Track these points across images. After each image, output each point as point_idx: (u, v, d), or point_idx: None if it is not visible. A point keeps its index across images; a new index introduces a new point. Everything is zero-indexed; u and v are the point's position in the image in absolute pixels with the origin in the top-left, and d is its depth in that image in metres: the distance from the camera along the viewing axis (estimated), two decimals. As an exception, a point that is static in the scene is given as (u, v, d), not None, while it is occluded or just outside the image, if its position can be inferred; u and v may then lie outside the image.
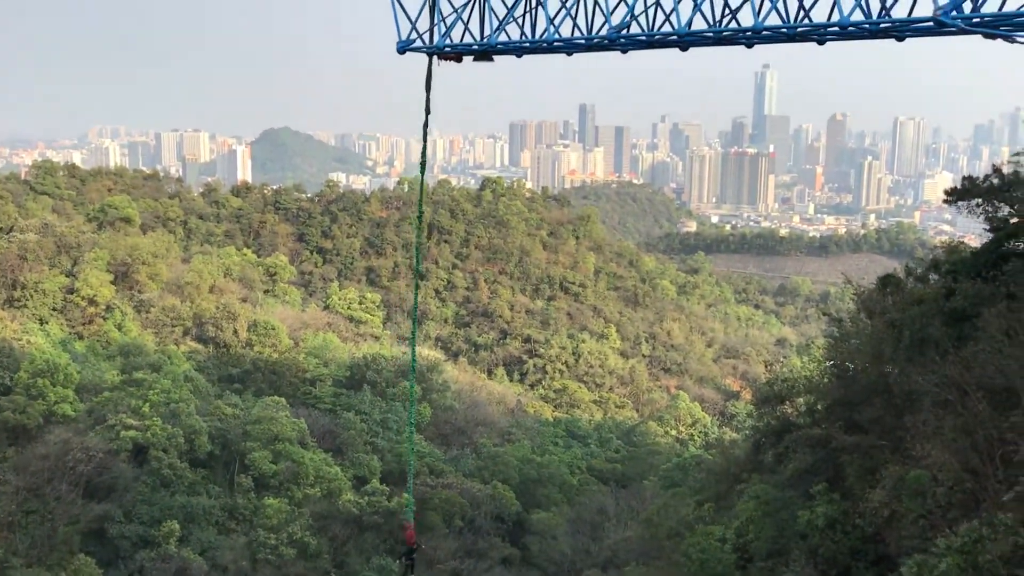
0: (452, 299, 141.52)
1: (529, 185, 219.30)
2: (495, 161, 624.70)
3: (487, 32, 21.89)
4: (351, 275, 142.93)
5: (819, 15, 17.18)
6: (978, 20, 15.23)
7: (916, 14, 16.34)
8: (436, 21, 22.82)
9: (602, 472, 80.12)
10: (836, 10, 16.55)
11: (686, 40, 19.27)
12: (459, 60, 23.76)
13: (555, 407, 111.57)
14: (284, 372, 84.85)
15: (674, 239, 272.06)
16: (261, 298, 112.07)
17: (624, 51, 20.91)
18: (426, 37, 23.12)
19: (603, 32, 19.94)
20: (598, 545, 57.14)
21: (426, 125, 25.67)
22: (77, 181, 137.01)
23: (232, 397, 72.93)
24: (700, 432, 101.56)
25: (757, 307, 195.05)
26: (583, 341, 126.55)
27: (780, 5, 17.24)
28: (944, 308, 28.19)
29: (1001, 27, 15.21)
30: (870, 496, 24.73)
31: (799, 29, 17.42)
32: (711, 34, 18.60)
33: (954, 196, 32.25)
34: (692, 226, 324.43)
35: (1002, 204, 30.69)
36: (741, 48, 19.40)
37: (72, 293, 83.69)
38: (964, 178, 32.86)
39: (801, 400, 37.36)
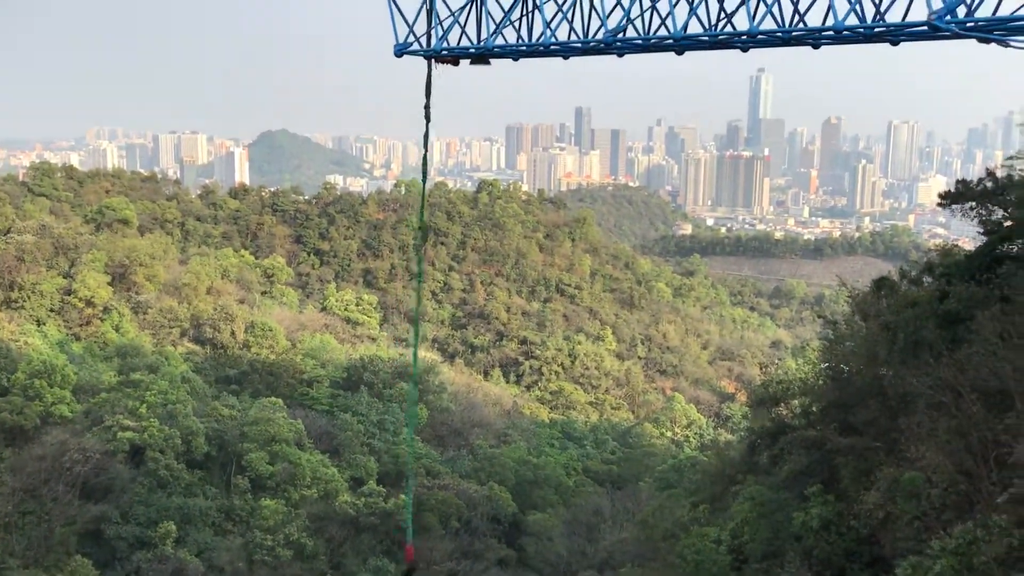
0: (448, 301, 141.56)
1: (525, 188, 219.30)
2: (491, 164, 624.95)
3: (484, 35, 22.00)
4: (348, 277, 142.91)
5: (814, 19, 17.32)
6: (972, 24, 15.35)
7: (910, 18, 16.46)
8: (433, 24, 22.91)
9: (598, 473, 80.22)
10: (831, 14, 16.67)
11: (682, 44, 19.39)
12: (456, 63, 23.84)
13: (551, 409, 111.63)
14: (281, 373, 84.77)
15: (670, 242, 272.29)
16: (258, 299, 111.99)
17: (620, 55, 21.02)
18: (423, 40, 23.21)
19: (599, 36, 20.05)
20: (594, 546, 57.20)
21: (427, 136, 25.71)
22: (75, 183, 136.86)
23: (229, 398, 72.90)
24: (695, 434, 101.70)
25: (752, 309, 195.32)
26: (579, 343, 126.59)
27: (775, 9, 17.37)
28: (938, 311, 28.33)
29: (995, 31, 15.34)
30: (865, 498, 24.85)
31: (794, 33, 17.54)
32: (707, 38, 18.71)
33: (948, 199, 32.43)
34: (687, 229, 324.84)
35: (996, 207, 30.87)
36: (736, 52, 19.53)
37: (69, 294, 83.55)
38: (958, 181, 33.05)
39: (796, 402, 37.51)
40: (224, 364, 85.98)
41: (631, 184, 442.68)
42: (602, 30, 19.93)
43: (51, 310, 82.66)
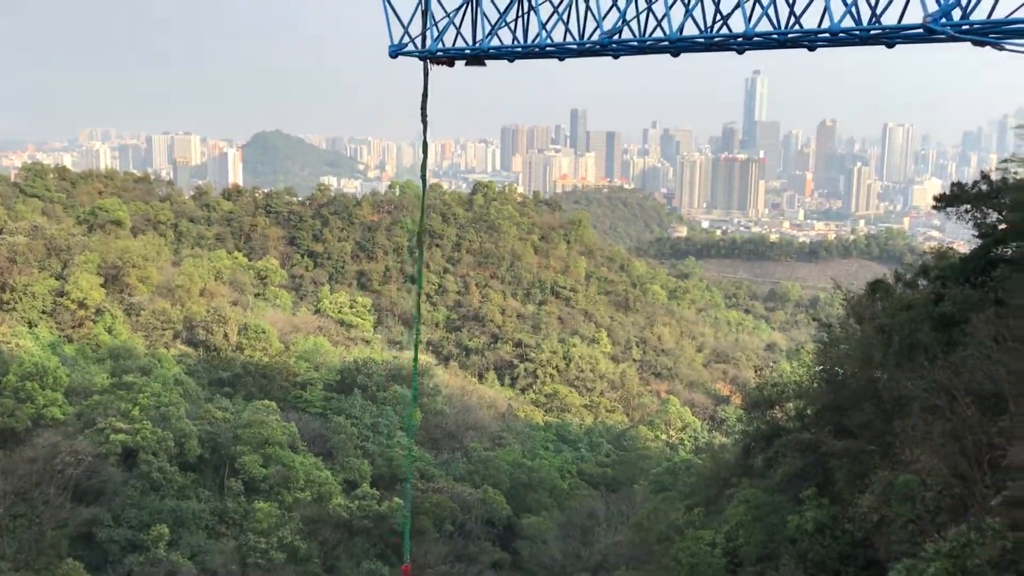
0: (443, 303, 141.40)
1: (520, 190, 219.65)
2: (487, 165, 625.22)
3: (479, 36, 21.94)
4: (342, 279, 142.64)
5: (810, 21, 17.30)
6: (967, 27, 15.34)
7: (906, 21, 16.45)
8: (428, 25, 22.85)
9: (592, 476, 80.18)
10: (827, 16, 16.65)
11: (678, 46, 19.35)
12: (451, 64, 23.79)
13: (546, 411, 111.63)
14: (274, 376, 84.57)
15: (665, 244, 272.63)
16: (252, 301, 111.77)
17: (616, 56, 20.97)
18: (419, 41, 23.14)
19: (595, 37, 20.00)
20: (588, 549, 57.15)
21: (425, 145, 25.65)
22: (67, 184, 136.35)
23: (222, 401, 72.68)
24: (690, 436, 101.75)
25: (747, 312, 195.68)
26: (574, 345, 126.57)
27: (771, 11, 17.34)
28: (933, 313, 28.33)
29: (990, 34, 15.32)
30: (859, 501, 24.84)
31: (790, 35, 17.52)
32: (702, 40, 18.67)
33: (943, 202, 32.45)
34: (683, 231, 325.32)
35: (990, 210, 30.88)
36: (732, 54, 19.50)
37: (62, 296, 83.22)
38: (953, 184, 33.07)
39: (791, 405, 37.52)
40: (217, 366, 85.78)
41: (626, 186, 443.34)
42: (598, 32, 19.88)
43: (43, 312, 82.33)
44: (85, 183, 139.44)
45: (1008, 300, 24.91)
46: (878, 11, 16.51)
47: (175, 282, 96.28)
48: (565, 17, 20.22)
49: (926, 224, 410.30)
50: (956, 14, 15.32)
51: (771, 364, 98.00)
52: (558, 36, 20.55)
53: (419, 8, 22.79)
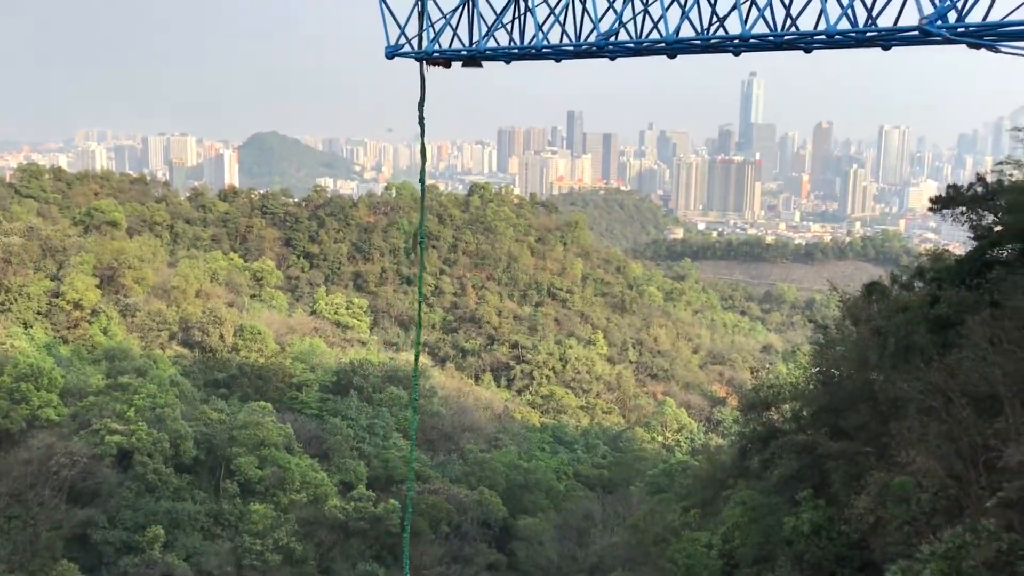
0: (440, 304, 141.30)
1: (517, 191, 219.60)
2: (483, 167, 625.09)
3: (476, 38, 21.92)
4: (338, 280, 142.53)
5: (806, 23, 17.31)
6: (963, 30, 15.34)
7: (902, 23, 16.46)
8: (425, 26, 22.82)
9: (589, 478, 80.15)
10: (823, 19, 16.66)
11: (674, 48, 19.34)
12: (448, 66, 23.75)
13: (542, 413, 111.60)
14: (270, 377, 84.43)
15: (661, 246, 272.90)
16: (248, 303, 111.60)
17: (612, 58, 20.96)
18: (415, 42, 23.11)
19: (591, 39, 19.99)
20: (584, 551, 57.13)
21: (423, 150, 25.59)
22: (63, 184, 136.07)
23: (218, 402, 72.53)
24: (686, 438, 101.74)
25: (743, 314, 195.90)
26: (570, 347, 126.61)
27: (767, 13, 17.35)
28: (929, 315, 28.38)
29: (986, 37, 15.33)
30: (855, 502, 24.86)
31: (786, 37, 17.52)
32: (699, 42, 18.66)
33: (939, 204, 32.52)
34: (679, 233, 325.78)
35: (986, 212, 30.97)
36: (729, 56, 19.50)
37: (57, 297, 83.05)
38: (949, 186, 33.15)
39: (787, 406, 37.55)
40: (213, 367, 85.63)
41: (623, 188, 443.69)
42: (594, 33, 19.87)
43: (38, 313, 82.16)
44: (81, 184, 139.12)
45: (1004, 302, 24.98)
46: (874, 13, 16.52)
47: (171, 283, 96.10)
48: (562, 18, 20.22)
49: (922, 226, 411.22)
50: (952, 16, 15.32)
51: (767, 366, 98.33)
52: (554, 37, 20.54)
53: (415, 9, 22.76)
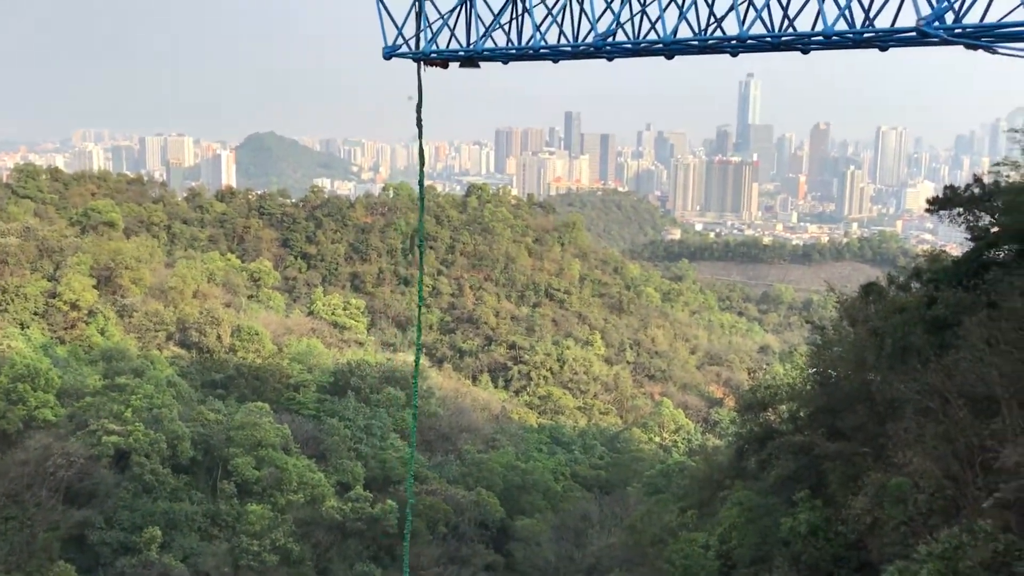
0: (437, 305, 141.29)
1: (515, 192, 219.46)
2: (481, 168, 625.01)
3: (473, 38, 21.91)
4: (335, 281, 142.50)
5: (803, 24, 17.31)
6: (960, 31, 15.36)
7: (899, 24, 16.47)
8: (422, 27, 22.81)
9: (586, 479, 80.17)
10: (820, 19, 16.67)
11: (672, 48, 19.34)
12: (445, 66, 23.72)
13: (540, 413, 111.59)
14: (267, 378, 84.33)
15: (658, 246, 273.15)
16: (245, 303, 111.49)
17: (610, 59, 20.95)
18: (412, 43, 23.10)
19: (589, 40, 19.98)
20: (582, 552, 57.15)
21: (421, 152, 25.57)
22: (60, 185, 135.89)
23: (215, 403, 72.43)
24: (683, 439, 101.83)
25: (740, 314, 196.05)
26: (568, 348, 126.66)
27: (765, 14, 17.35)
28: (926, 316, 28.42)
29: (983, 38, 15.35)
30: (852, 503, 24.89)
31: (783, 38, 17.53)
32: (696, 43, 18.66)
33: (936, 205, 32.57)
34: (676, 234, 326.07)
35: (983, 213, 31.01)
36: (726, 57, 19.50)
37: (54, 297, 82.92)
38: (946, 188, 33.20)
39: (784, 407, 37.58)
40: (210, 368, 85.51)
41: (620, 189, 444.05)
42: (592, 34, 19.87)
43: (35, 313, 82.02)
44: (78, 184, 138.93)
45: (1000, 303, 25.01)
46: (871, 14, 16.54)
47: (168, 284, 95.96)
48: (559, 19, 20.21)
49: (919, 227, 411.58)
50: (949, 17, 15.33)
51: (764, 366, 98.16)
52: (552, 38, 20.53)
53: (413, 9, 22.75)
